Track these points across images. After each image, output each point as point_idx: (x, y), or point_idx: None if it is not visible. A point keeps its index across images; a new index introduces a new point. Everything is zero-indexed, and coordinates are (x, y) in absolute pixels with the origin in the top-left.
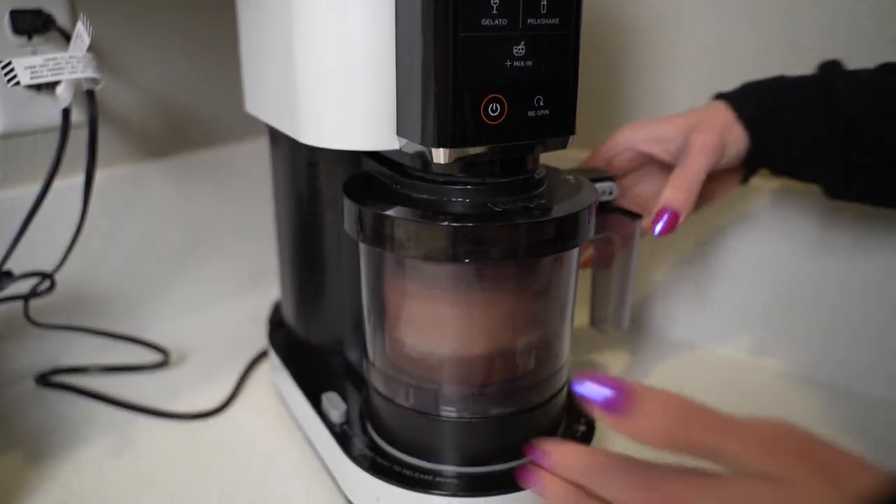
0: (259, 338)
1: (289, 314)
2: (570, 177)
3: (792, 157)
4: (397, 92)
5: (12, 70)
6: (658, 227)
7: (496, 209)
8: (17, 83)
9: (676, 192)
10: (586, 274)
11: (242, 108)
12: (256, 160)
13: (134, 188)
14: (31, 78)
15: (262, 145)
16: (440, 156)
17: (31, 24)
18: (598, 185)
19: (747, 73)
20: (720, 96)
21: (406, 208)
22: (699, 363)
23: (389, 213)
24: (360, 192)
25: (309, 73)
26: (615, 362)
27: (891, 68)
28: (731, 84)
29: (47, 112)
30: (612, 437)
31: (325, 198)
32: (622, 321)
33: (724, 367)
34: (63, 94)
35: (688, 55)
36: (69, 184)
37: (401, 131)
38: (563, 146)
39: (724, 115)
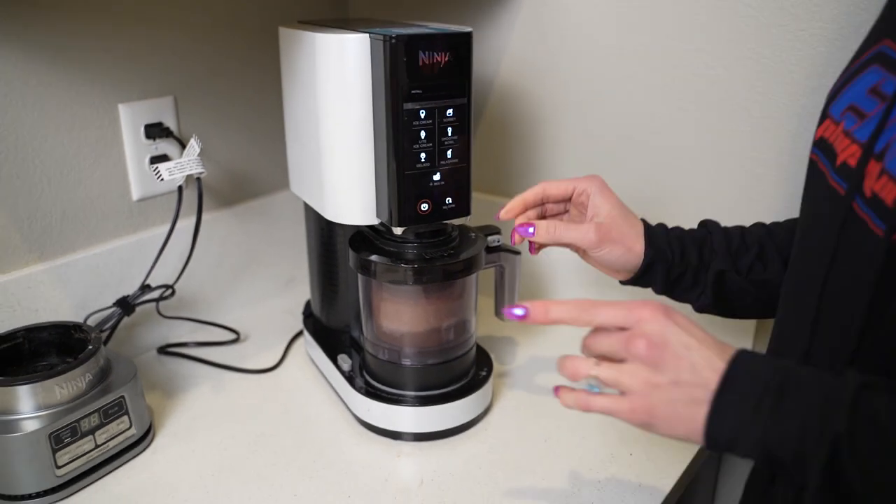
0: (293, 324)
1: (316, 308)
2: (473, 234)
3: (674, 282)
4: (376, 195)
5: (158, 171)
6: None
7: (427, 256)
8: (162, 179)
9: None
10: (490, 284)
11: (280, 170)
12: (288, 205)
13: (212, 228)
14: (169, 175)
15: (292, 196)
16: (397, 230)
17: (155, 132)
18: (490, 237)
19: (618, 153)
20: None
21: (382, 256)
22: None
23: (373, 258)
24: (358, 245)
25: (332, 182)
26: (513, 335)
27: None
28: (603, 153)
29: (162, 186)
30: (505, 382)
31: (338, 240)
32: None
33: None
34: (178, 178)
35: (567, 140)
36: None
37: (378, 215)
38: (465, 221)
39: (638, 228)
